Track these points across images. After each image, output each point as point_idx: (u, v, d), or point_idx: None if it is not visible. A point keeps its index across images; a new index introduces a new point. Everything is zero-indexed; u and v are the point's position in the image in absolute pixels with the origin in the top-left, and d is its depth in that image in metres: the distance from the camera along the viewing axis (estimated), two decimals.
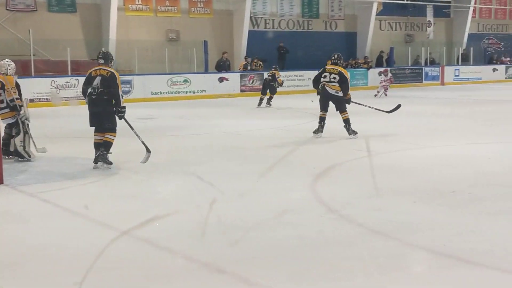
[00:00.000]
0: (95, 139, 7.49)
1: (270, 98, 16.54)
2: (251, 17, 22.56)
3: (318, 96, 10.11)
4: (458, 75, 26.95)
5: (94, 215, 5.27)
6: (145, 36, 20.61)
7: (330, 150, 8.93)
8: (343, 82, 9.77)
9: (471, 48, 28.71)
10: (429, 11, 28.04)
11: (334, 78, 9.80)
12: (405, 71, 25.33)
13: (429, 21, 28.20)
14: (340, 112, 9.90)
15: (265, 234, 4.69)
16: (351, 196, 5.84)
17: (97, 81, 7.35)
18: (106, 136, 7.44)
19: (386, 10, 26.68)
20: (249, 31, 22.10)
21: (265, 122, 12.84)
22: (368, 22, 25.40)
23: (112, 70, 7.49)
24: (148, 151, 7.40)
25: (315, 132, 9.98)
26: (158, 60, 20.08)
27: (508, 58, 29.90)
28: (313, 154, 8.55)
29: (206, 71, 20.37)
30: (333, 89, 9.83)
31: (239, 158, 8.37)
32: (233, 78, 20.43)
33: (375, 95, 18.93)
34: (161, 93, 18.88)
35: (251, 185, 6.50)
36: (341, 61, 10.17)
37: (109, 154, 7.38)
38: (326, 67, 10.26)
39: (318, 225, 4.94)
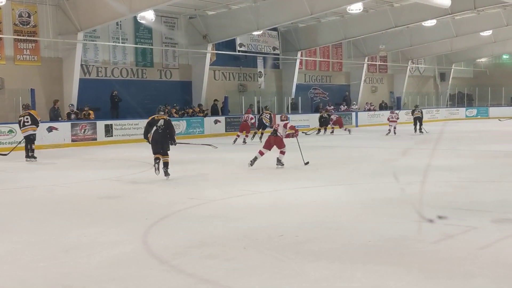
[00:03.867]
0: (156, 156, 10.70)
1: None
2: (82, 65, 21.93)
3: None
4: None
5: None
6: None
7: (163, 198, 8.78)
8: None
9: (299, 98, 30.47)
10: (260, 63, 29.44)
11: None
12: (240, 119, 26.07)
13: (260, 71, 29.57)
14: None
15: None
16: (182, 246, 5.75)
17: (161, 122, 10.77)
18: (165, 158, 10.74)
19: (219, 60, 27.49)
20: (80, 79, 21.42)
21: (98, 172, 12.39)
22: (202, 72, 25.92)
23: (168, 118, 11.08)
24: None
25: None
26: None
27: (332, 107, 32.16)
28: (146, 204, 8.35)
29: None
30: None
31: (66, 211, 7.91)
32: (63, 128, 19.58)
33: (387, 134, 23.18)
34: None
35: (78, 239, 6.15)
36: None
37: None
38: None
39: (147, 279, 4.76)
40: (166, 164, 10.74)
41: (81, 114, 20.83)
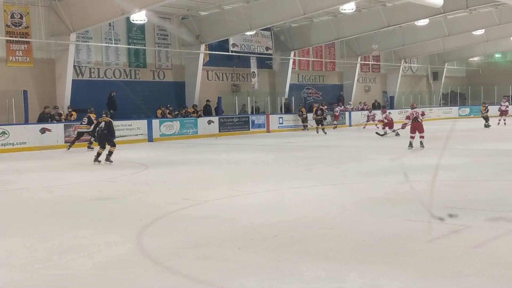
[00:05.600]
0: (98, 151, 14.03)
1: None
2: (74, 66, 21.85)
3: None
4: (282, 123, 28.41)
5: None
6: None
7: (158, 199, 8.75)
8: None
9: (293, 97, 30.48)
10: (253, 63, 29.43)
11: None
12: (233, 119, 26.11)
13: (253, 72, 29.56)
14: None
15: None
16: (177, 247, 5.73)
17: (102, 124, 13.87)
18: (111, 148, 13.94)
19: (212, 61, 27.46)
20: (73, 80, 21.35)
21: (91, 173, 12.35)
22: (196, 72, 25.89)
23: (110, 119, 14.06)
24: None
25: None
26: None
27: (326, 106, 32.17)
28: (140, 206, 8.32)
29: (26, 122, 19.21)
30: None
31: (59, 213, 7.88)
32: (56, 129, 19.50)
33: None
34: None
35: (72, 240, 6.12)
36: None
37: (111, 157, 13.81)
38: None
39: (141, 280, 4.75)
40: (111, 153, 13.97)
41: (68, 115, 20.70)
